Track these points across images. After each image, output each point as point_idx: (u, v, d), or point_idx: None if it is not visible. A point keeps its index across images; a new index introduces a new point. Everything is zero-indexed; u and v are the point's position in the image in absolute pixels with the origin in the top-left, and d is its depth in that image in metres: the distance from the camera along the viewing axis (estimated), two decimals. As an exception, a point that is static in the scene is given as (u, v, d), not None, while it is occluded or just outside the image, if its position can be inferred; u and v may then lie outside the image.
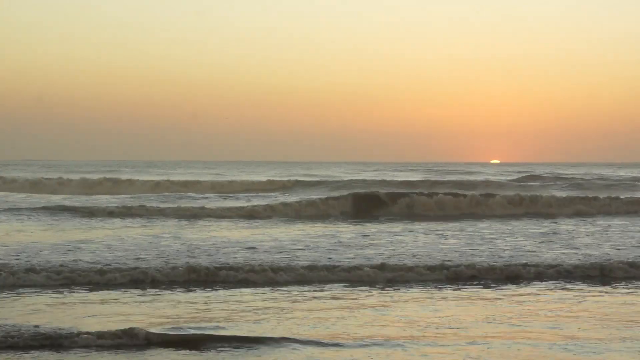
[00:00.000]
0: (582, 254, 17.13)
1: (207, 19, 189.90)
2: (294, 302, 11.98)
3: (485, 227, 23.70)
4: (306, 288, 13.30)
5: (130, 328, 9.49)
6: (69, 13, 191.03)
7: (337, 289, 13.22)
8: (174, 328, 9.90)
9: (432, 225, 24.20)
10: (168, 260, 15.60)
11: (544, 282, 14.18)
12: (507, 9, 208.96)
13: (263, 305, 11.66)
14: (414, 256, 16.53)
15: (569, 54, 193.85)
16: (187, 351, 9.00)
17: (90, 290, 13.01)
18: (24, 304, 11.64)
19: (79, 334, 9.40)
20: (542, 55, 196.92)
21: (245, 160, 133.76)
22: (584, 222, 25.64)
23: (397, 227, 23.78)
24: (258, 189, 45.41)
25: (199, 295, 12.59)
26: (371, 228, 23.52)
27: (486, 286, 13.73)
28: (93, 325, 9.98)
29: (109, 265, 14.79)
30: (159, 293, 12.76)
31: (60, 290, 12.95)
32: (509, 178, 59.45)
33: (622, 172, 76.73)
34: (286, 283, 13.80)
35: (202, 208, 29.10)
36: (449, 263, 15.35)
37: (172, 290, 13.10)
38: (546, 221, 25.85)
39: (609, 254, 16.97)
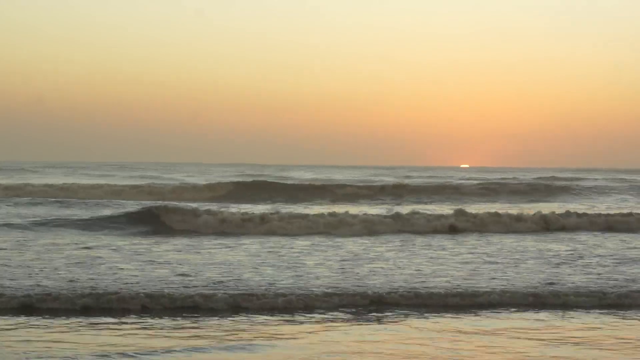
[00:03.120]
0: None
1: (197, 21, 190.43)
2: None
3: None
4: None
5: None
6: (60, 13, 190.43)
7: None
8: None
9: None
10: None
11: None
12: (487, 16, 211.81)
13: None
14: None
15: (546, 60, 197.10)
16: None
17: None
18: None
19: None
20: (518, 60, 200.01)
21: (237, 163, 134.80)
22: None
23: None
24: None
25: None
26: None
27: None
28: None
29: None
30: None
31: None
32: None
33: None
34: None
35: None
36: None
37: None
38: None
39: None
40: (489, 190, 46.94)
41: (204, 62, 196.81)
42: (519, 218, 27.21)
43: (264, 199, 40.76)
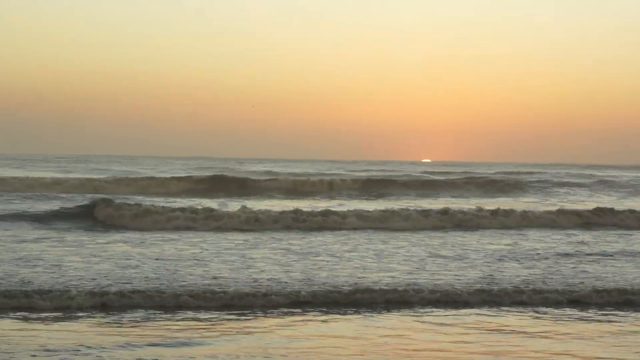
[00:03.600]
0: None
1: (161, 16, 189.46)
2: None
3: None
4: None
5: None
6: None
7: None
8: None
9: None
10: None
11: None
12: (450, 12, 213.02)
13: None
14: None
15: (499, 57, 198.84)
16: None
17: None
18: None
19: None
20: (473, 56, 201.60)
21: (199, 157, 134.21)
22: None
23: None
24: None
25: None
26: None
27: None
28: None
29: None
30: None
31: None
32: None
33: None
34: None
35: None
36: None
37: None
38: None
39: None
40: (445, 184, 46.88)
41: (172, 55, 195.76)
42: (467, 213, 27.22)
43: (220, 193, 40.41)
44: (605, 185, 53.87)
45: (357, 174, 65.14)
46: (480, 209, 27.84)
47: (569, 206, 32.12)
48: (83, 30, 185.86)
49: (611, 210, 28.45)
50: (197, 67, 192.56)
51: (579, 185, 53.64)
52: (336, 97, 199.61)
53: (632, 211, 28.43)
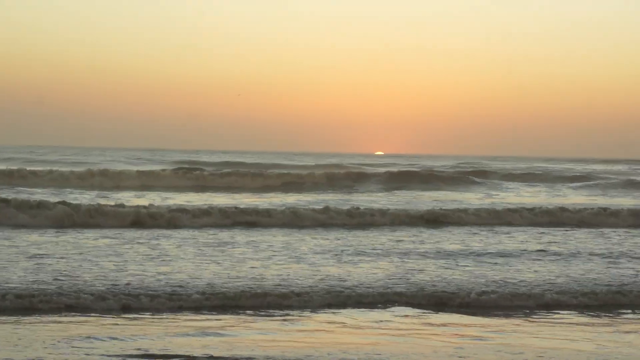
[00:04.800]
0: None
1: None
2: None
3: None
4: None
5: None
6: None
7: None
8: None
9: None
10: None
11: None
12: (406, 2, 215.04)
13: None
14: None
15: (452, 48, 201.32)
16: None
17: None
18: None
19: None
20: (425, 48, 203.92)
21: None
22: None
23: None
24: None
25: None
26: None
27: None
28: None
29: None
30: None
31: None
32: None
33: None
34: None
35: None
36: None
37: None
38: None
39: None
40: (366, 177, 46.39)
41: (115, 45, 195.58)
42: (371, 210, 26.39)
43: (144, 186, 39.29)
44: (555, 180, 53.66)
45: (302, 164, 64.84)
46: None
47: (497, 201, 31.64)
48: (27, 16, 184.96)
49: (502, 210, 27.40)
50: (157, 58, 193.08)
51: (525, 178, 53.63)
52: (293, 89, 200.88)
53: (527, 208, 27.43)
